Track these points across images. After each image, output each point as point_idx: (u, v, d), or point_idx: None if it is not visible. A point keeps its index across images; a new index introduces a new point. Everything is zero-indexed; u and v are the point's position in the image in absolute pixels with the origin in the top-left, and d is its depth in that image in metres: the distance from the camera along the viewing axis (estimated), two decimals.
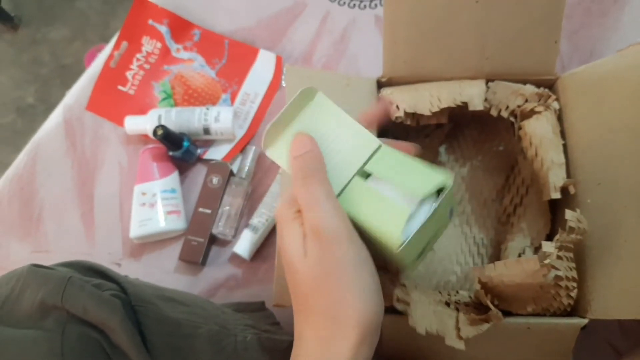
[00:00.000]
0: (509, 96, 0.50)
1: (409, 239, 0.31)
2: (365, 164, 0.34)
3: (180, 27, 0.73)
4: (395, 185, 0.33)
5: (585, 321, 0.42)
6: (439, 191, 0.33)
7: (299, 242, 0.32)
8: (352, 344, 0.30)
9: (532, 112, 0.49)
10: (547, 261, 0.39)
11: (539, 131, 0.48)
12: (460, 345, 0.39)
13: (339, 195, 0.34)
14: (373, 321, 0.31)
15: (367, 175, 0.34)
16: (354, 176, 0.34)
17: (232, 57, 0.72)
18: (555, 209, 0.52)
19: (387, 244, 0.32)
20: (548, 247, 0.40)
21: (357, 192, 0.34)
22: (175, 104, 0.71)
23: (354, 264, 0.31)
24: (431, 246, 0.37)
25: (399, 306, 0.41)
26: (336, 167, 0.34)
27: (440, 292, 0.48)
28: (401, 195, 0.32)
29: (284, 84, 0.70)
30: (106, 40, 0.73)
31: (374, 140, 0.34)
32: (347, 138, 0.34)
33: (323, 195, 0.32)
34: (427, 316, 0.41)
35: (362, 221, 0.33)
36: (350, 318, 0.31)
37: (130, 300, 0.41)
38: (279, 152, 0.35)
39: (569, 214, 0.41)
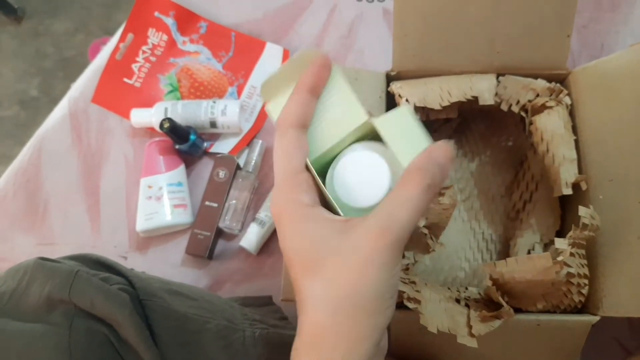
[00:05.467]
0: (520, 91, 0.50)
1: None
2: (346, 137, 0.34)
3: (187, 19, 0.72)
4: None
5: (596, 318, 0.42)
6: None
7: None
8: None
9: (543, 107, 0.49)
10: (560, 258, 0.39)
11: (551, 126, 0.47)
12: (472, 343, 0.39)
13: (314, 159, 0.34)
14: None
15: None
16: (329, 148, 0.34)
17: (238, 50, 0.71)
18: (565, 205, 0.52)
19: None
20: (561, 244, 0.39)
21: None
22: (182, 97, 0.71)
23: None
24: None
25: (410, 304, 0.41)
26: (322, 130, 0.34)
27: (449, 288, 0.48)
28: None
29: None
30: (109, 33, 0.73)
31: (362, 115, 0.34)
32: (340, 104, 0.35)
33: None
34: (438, 314, 0.41)
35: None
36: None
37: (138, 294, 0.40)
38: (279, 109, 0.35)
39: (582, 210, 0.40)
